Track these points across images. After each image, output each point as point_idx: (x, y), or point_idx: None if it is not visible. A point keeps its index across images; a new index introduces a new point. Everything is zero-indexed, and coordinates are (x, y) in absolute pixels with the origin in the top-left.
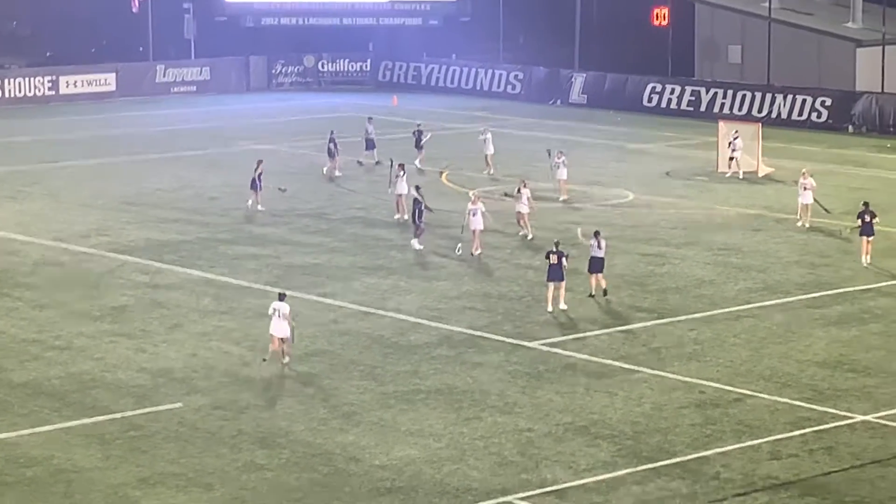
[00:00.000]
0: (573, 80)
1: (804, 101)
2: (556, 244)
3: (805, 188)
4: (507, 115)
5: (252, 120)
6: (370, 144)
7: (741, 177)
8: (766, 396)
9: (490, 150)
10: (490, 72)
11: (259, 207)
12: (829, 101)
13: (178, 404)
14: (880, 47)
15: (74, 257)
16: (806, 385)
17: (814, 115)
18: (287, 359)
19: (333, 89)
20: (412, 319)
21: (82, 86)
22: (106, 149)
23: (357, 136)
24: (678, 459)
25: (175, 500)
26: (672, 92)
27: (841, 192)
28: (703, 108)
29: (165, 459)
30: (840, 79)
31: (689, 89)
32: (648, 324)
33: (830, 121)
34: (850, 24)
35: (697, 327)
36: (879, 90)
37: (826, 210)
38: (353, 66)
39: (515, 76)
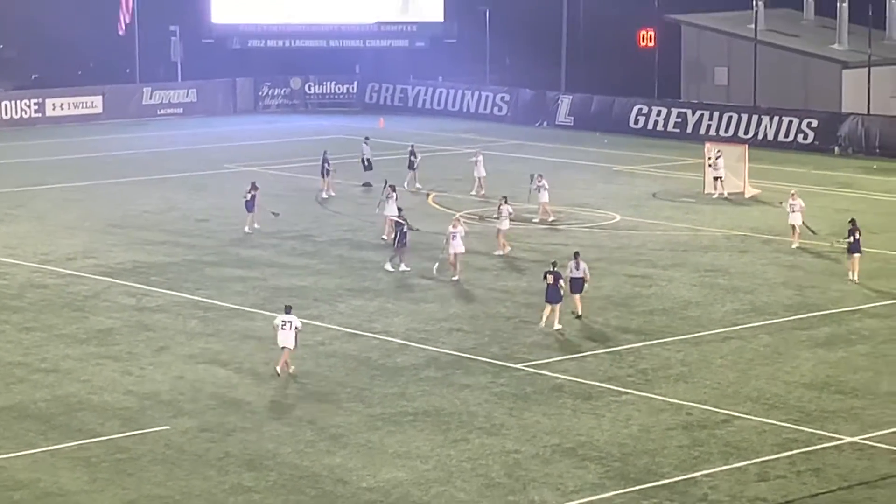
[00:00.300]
0: (560, 101)
1: (790, 122)
2: (553, 264)
3: (794, 209)
4: (494, 137)
5: (239, 142)
6: (368, 165)
7: (726, 196)
8: (753, 418)
9: (482, 172)
10: (476, 94)
11: (255, 226)
12: (815, 123)
13: (165, 427)
14: (866, 69)
15: (61, 280)
16: (793, 406)
17: (800, 136)
18: (293, 368)
19: (320, 111)
20: (399, 341)
21: (69, 108)
22: (92, 171)
23: (352, 156)
24: (666, 481)
25: None
26: (659, 114)
27: (827, 214)
28: (689, 130)
29: (152, 482)
30: (826, 100)
31: (675, 111)
32: (635, 345)
33: (816, 142)
34: (836, 46)
35: (684, 349)
36: (865, 112)
37: (812, 231)
38: (339, 89)
39: (502, 98)
